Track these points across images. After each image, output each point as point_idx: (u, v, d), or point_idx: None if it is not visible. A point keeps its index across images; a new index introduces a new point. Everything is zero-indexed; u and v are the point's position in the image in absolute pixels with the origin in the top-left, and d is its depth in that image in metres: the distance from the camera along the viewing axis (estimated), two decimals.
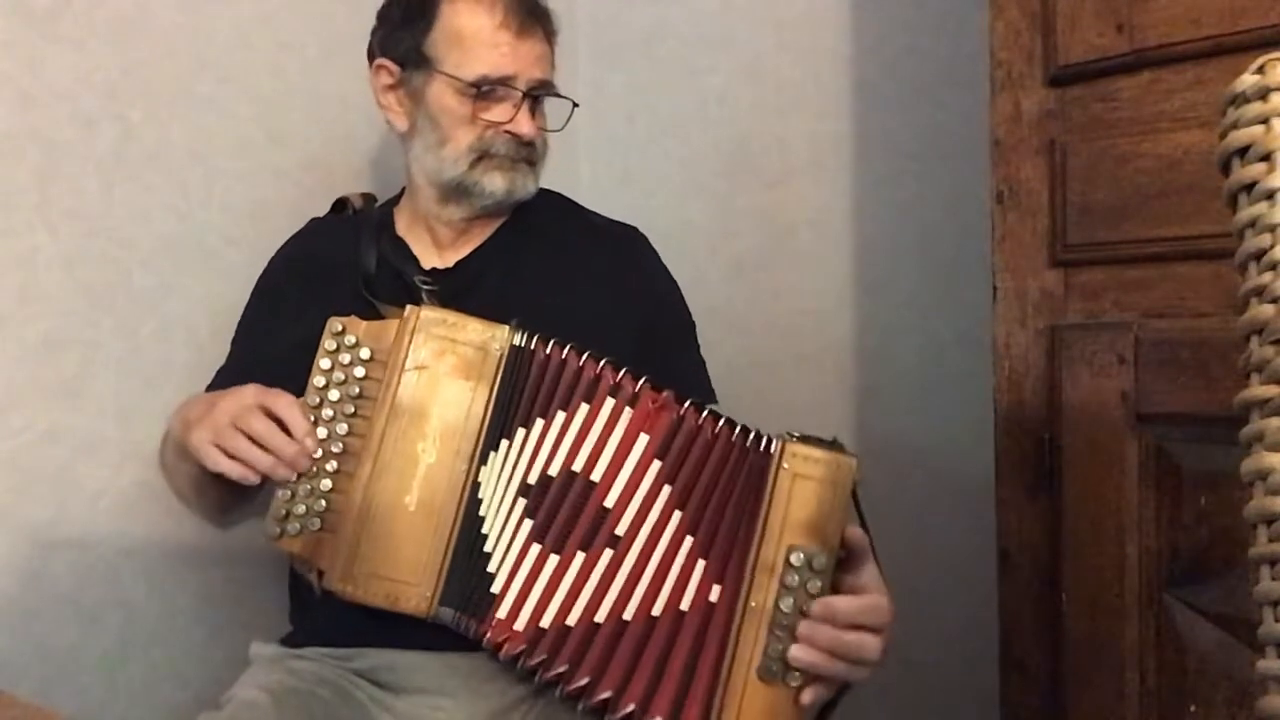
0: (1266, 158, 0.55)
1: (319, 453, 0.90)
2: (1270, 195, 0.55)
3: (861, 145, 1.47)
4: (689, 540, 0.87)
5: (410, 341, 0.90)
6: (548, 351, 0.91)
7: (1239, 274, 0.57)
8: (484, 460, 0.90)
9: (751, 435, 0.87)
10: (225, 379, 1.13)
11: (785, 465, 0.83)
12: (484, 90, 1.03)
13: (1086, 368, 0.94)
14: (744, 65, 1.58)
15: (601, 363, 0.91)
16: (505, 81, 1.03)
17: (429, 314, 0.90)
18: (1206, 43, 0.87)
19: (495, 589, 0.88)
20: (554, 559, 0.88)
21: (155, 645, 1.19)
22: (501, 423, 0.91)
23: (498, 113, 1.04)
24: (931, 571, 1.37)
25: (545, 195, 1.17)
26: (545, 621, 0.87)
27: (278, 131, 1.31)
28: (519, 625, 0.87)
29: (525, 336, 0.91)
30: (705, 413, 0.89)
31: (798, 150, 1.53)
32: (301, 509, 0.90)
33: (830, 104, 1.49)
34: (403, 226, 1.14)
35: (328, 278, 1.10)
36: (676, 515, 0.87)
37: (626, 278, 1.13)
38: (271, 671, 1.00)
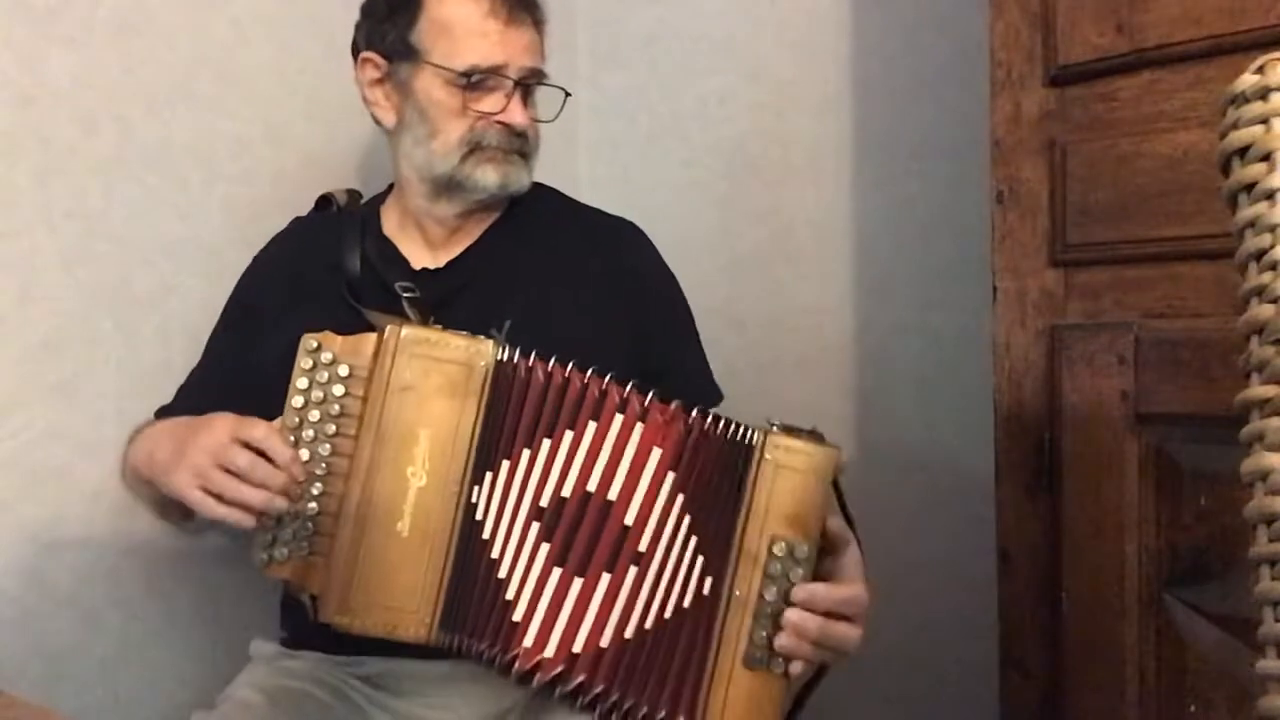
0: (1266, 158, 0.55)
1: (304, 476, 0.87)
2: (1270, 195, 0.55)
3: (861, 145, 1.47)
4: (694, 540, 0.87)
5: (393, 363, 0.87)
6: (544, 369, 0.89)
7: (1239, 274, 0.57)
8: (478, 480, 0.88)
9: (736, 429, 0.87)
10: (198, 389, 1.11)
11: (767, 456, 0.84)
12: (474, 80, 1.00)
13: (1086, 368, 0.94)
14: (744, 65, 1.58)
15: (604, 378, 0.89)
16: (496, 70, 1.01)
17: (410, 333, 0.88)
18: (1206, 43, 0.87)
19: (517, 617, 0.88)
20: (578, 582, 0.87)
21: (155, 645, 1.19)
22: (494, 441, 0.89)
23: (489, 103, 1.02)
24: (931, 571, 1.37)
25: (539, 190, 1.15)
26: (578, 645, 0.87)
27: (278, 131, 1.31)
28: (549, 651, 0.87)
29: (509, 350, 0.89)
30: (709, 418, 0.88)
31: (798, 150, 1.53)
32: (289, 534, 0.88)
33: (830, 104, 1.49)
34: (391, 225, 1.12)
35: (311, 281, 1.07)
36: (687, 519, 0.87)
37: (622, 274, 1.10)
38: (267, 672, 1.00)
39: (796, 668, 0.84)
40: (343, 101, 1.35)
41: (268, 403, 0.91)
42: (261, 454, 0.86)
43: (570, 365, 0.89)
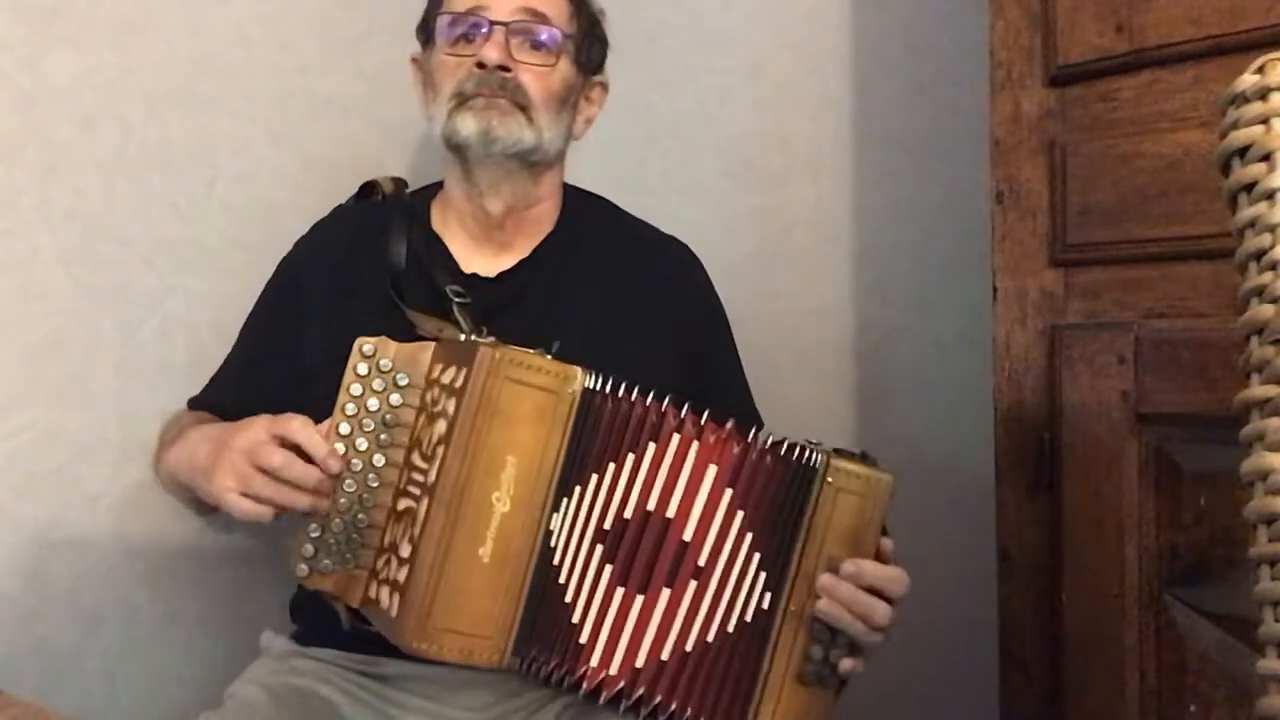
0: (1266, 158, 0.55)
1: (341, 470, 0.85)
2: (1270, 195, 0.55)
3: (861, 145, 1.47)
4: (756, 557, 0.87)
5: (484, 384, 0.83)
6: (620, 395, 0.87)
7: (1239, 274, 0.58)
8: (556, 507, 0.87)
9: (797, 451, 0.87)
10: (231, 378, 1.10)
11: (829, 479, 0.85)
12: (458, 33, 1.01)
13: (1086, 368, 0.94)
14: (744, 65, 1.58)
15: (662, 400, 0.88)
16: (473, 12, 1.00)
17: (505, 354, 0.84)
18: (1206, 43, 0.87)
19: (583, 638, 0.87)
20: (640, 600, 0.87)
21: (156, 645, 1.19)
22: (574, 468, 0.87)
23: (470, 49, 1.01)
24: (931, 571, 1.36)
25: (593, 202, 1.15)
26: (640, 660, 0.87)
27: (278, 131, 1.31)
28: (614, 669, 0.87)
29: (596, 379, 0.87)
30: (768, 439, 0.88)
31: (798, 150, 1.53)
32: (332, 543, 0.86)
33: (830, 104, 1.49)
34: (439, 221, 1.10)
35: (354, 273, 1.05)
36: (749, 537, 0.87)
37: (674, 297, 1.10)
38: (275, 669, 1.00)
39: (850, 662, 0.86)
40: (343, 101, 1.35)
41: (306, 396, 0.90)
42: (298, 449, 0.84)
43: (651, 393, 0.88)
